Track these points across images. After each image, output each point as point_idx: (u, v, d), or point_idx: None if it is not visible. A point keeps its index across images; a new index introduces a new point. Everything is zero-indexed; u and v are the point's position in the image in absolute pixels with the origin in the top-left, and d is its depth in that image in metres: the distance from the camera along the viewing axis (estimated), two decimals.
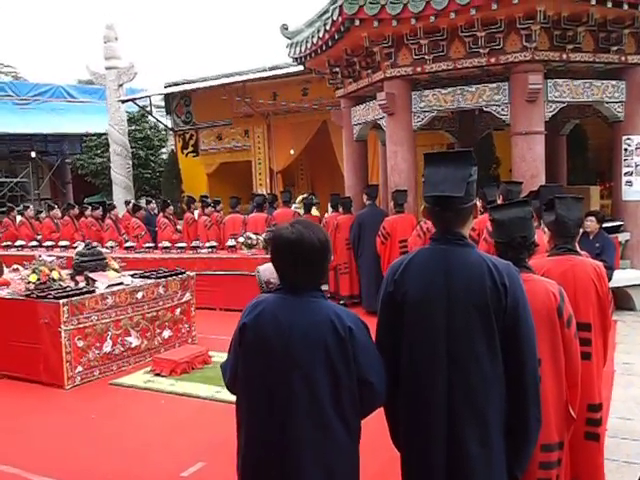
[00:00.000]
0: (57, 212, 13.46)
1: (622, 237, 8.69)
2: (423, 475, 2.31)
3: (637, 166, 8.81)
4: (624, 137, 8.80)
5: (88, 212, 12.78)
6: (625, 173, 8.88)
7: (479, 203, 6.30)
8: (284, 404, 2.18)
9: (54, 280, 6.65)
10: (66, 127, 20.23)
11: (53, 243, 11.98)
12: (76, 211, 13.16)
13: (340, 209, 9.63)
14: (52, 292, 6.26)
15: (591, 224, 6.95)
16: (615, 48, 8.23)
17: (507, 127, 8.59)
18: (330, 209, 10.56)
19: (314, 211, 11.37)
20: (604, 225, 7.71)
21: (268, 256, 9.12)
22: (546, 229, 3.36)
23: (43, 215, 13.99)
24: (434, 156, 2.44)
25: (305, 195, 12.82)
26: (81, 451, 4.64)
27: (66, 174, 22.74)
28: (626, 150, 8.82)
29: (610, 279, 5.49)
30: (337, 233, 9.09)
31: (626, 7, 7.49)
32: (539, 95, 7.90)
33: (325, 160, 16.05)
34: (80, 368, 6.14)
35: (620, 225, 8.82)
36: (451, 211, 2.29)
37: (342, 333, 2.17)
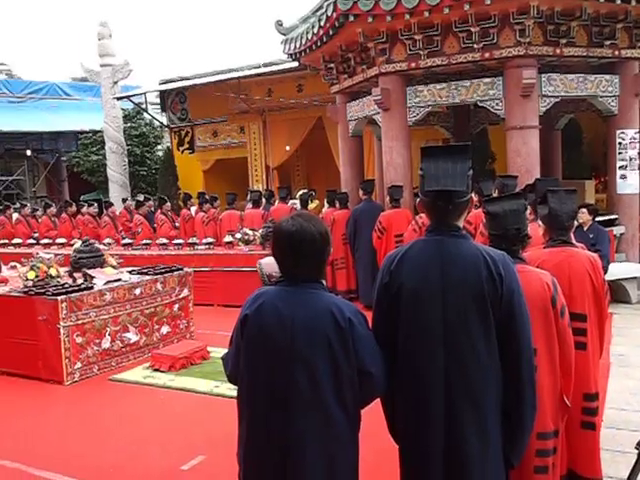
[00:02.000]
0: (54, 210, 13.51)
1: (617, 230, 8.73)
2: (421, 464, 2.32)
3: (631, 160, 8.85)
4: (618, 131, 8.83)
5: (84, 209, 12.85)
6: (619, 167, 8.91)
7: (475, 197, 6.33)
8: (286, 394, 2.20)
9: (52, 277, 6.67)
10: (61, 125, 20.20)
11: (50, 241, 12.00)
12: (73, 209, 13.20)
13: (336, 204, 9.65)
14: (50, 289, 6.27)
15: (583, 216, 6.99)
16: (608, 42, 8.25)
17: (502, 122, 8.61)
18: (326, 205, 10.59)
19: (311, 205, 11.40)
20: (599, 219, 7.75)
21: (265, 252, 9.06)
22: (541, 222, 3.40)
23: (40, 213, 14.00)
24: (431, 150, 2.41)
25: (305, 191, 12.84)
26: (81, 446, 4.67)
27: (62, 172, 22.71)
28: (620, 144, 8.85)
29: (606, 269, 5.55)
30: (334, 228, 9.08)
31: (619, 2, 7.52)
32: (533, 90, 7.93)
33: (321, 156, 16.06)
34: (79, 364, 6.16)
35: (615, 219, 8.85)
36: (450, 204, 2.30)
37: (342, 324, 2.20)
